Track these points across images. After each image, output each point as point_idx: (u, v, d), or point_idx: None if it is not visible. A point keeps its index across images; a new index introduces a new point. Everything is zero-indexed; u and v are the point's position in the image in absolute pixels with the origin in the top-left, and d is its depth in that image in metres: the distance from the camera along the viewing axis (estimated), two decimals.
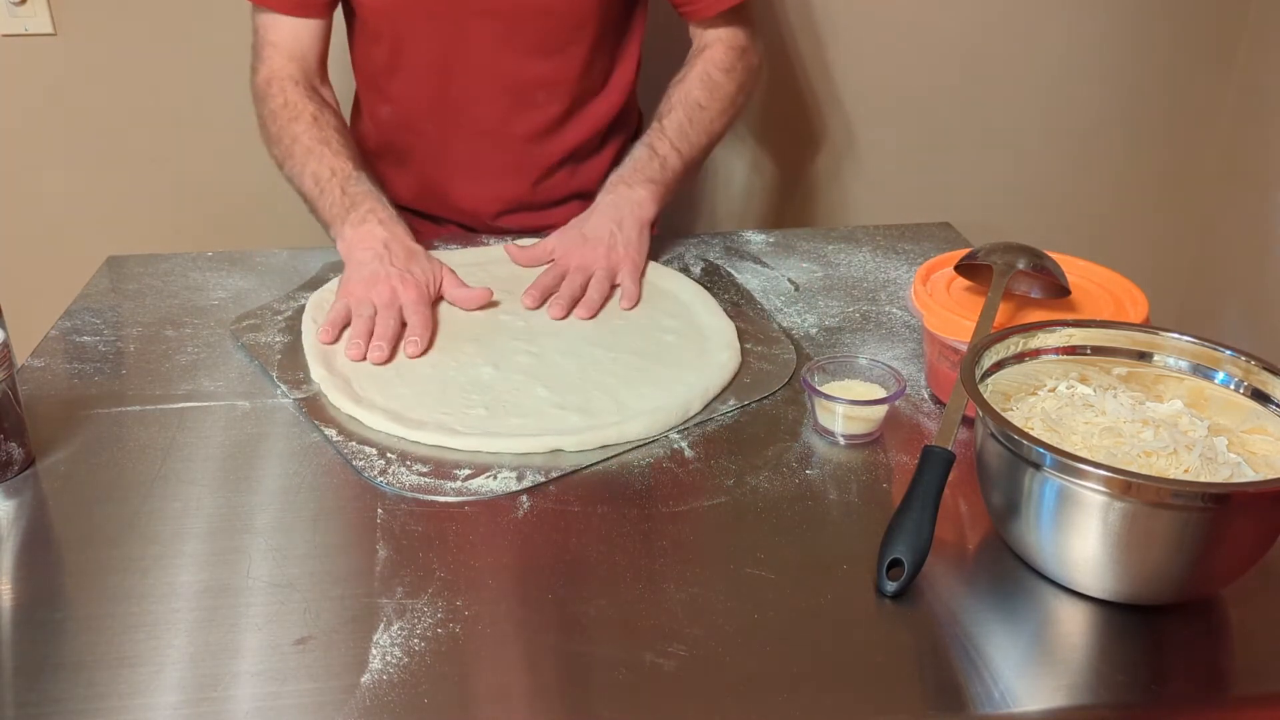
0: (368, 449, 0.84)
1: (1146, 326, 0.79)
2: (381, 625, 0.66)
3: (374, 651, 0.64)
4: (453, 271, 1.08)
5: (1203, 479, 0.67)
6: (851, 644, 0.65)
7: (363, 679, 0.62)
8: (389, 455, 0.83)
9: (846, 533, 0.75)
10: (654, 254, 1.15)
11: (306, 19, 1.18)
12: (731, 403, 0.91)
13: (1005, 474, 0.68)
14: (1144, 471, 0.66)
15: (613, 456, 0.84)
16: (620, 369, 0.95)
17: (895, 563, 0.68)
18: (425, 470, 0.81)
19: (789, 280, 1.15)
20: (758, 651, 0.64)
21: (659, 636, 0.65)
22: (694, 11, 1.22)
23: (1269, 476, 0.69)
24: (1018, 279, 0.89)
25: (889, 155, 1.81)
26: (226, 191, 1.68)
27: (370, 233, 1.07)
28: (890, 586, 0.68)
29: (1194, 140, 1.86)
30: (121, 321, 1.06)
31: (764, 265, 1.19)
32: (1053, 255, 0.90)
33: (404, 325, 0.99)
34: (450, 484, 0.80)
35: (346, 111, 1.30)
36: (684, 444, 0.86)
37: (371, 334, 0.97)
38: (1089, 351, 0.79)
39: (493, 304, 1.07)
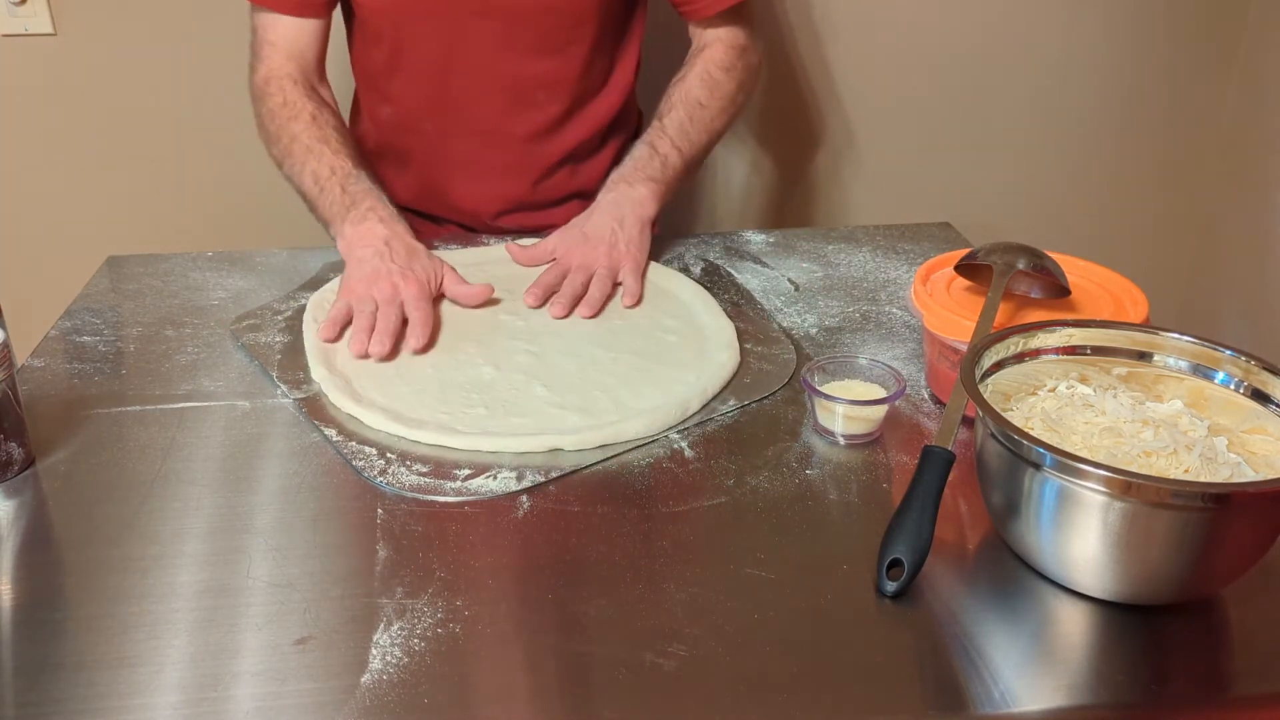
0: (368, 449, 0.84)
1: (1146, 326, 0.79)
2: (381, 625, 0.66)
3: (374, 651, 0.64)
4: (453, 269, 1.08)
5: (1203, 479, 0.67)
6: (851, 644, 0.65)
7: (363, 679, 0.62)
8: (389, 455, 0.83)
9: (846, 533, 0.75)
10: (654, 254, 1.15)
11: (306, 19, 1.18)
12: (731, 403, 0.91)
13: (1005, 474, 0.68)
14: (1144, 471, 0.66)
15: (612, 456, 0.84)
16: (620, 369, 0.95)
17: (895, 563, 0.68)
18: (425, 470, 0.81)
19: (789, 280, 1.15)
20: (758, 651, 0.64)
21: (659, 636, 0.65)
22: (693, 11, 1.22)
23: (1269, 476, 0.69)
24: (1018, 279, 0.89)
25: (889, 155, 1.81)
26: (226, 191, 1.68)
27: (371, 230, 1.07)
28: (890, 586, 0.68)
29: (1194, 140, 1.86)
30: (121, 321, 1.06)
31: (764, 265, 1.19)
32: (1053, 255, 0.90)
33: (405, 322, 0.99)
34: (450, 484, 0.80)
35: (345, 111, 1.30)
36: (684, 444, 0.86)
37: (373, 330, 0.97)
38: (1089, 351, 0.79)
39: (493, 301, 1.07)
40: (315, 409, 0.90)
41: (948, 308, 0.88)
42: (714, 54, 1.22)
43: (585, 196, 1.30)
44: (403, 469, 0.81)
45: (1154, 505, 0.62)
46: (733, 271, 1.17)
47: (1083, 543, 0.65)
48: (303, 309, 1.06)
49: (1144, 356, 0.78)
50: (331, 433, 0.86)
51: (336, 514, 0.78)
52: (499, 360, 0.96)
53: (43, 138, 1.64)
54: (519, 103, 1.23)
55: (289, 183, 1.17)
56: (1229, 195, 1.85)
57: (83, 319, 1.06)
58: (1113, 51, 1.77)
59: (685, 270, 1.16)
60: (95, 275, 1.17)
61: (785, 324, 1.05)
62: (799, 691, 0.62)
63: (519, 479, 0.80)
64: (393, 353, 0.96)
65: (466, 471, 0.81)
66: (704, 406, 0.90)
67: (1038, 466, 0.65)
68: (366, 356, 0.96)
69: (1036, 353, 0.78)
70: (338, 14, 1.23)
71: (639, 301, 1.07)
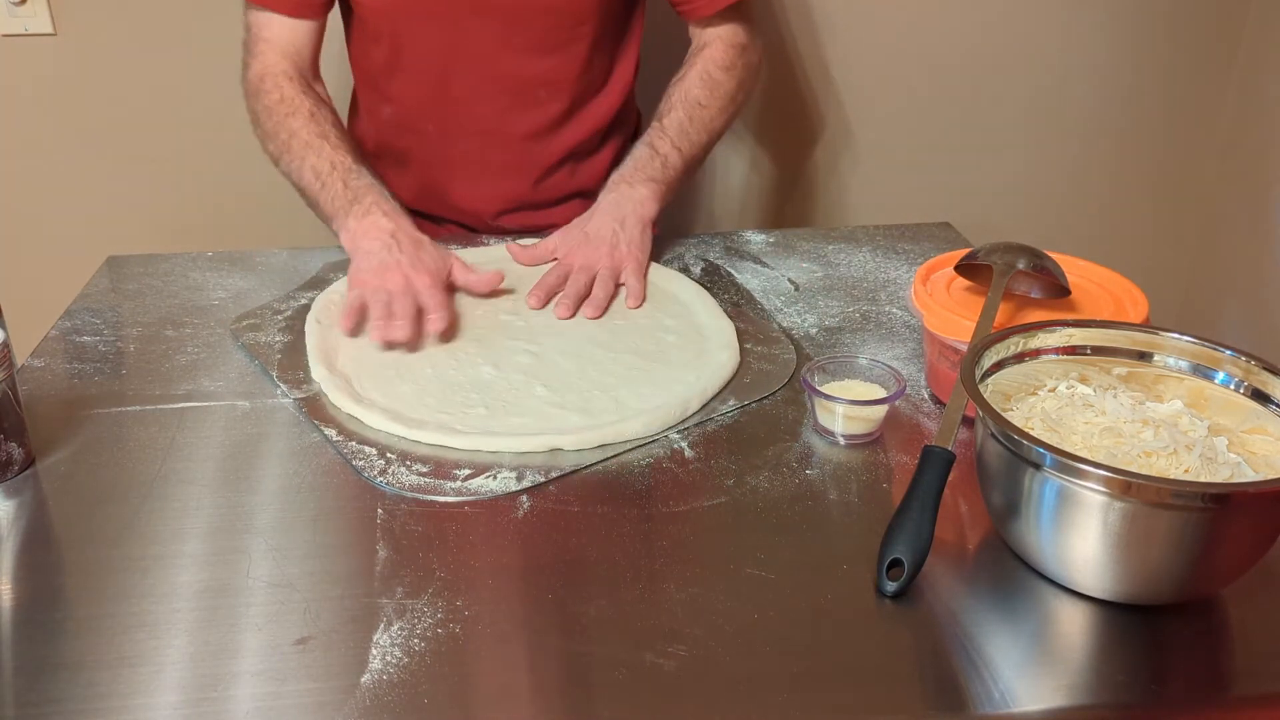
0: (368, 449, 0.84)
1: (1146, 326, 0.79)
2: (381, 625, 0.66)
3: (374, 651, 0.64)
4: (460, 259, 1.09)
5: (1203, 479, 0.67)
6: (851, 644, 0.65)
7: (363, 679, 0.62)
8: (389, 455, 0.83)
9: (846, 533, 0.75)
10: (655, 254, 1.15)
11: (301, 19, 1.18)
12: (731, 403, 0.91)
13: (1005, 474, 0.68)
14: (1144, 471, 0.66)
15: (612, 456, 0.84)
16: (620, 369, 0.95)
17: (895, 563, 0.68)
18: (425, 470, 0.81)
19: (789, 280, 1.15)
20: (758, 651, 0.64)
21: (659, 636, 0.65)
22: (692, 10, 1.22)
23: (1269, 476, 0.69)
24: (1018, 279, 0.89)
25: (889, 155, 1.81)
26: (226, 191, 1.68)
27: (376, 224, 1.07)
28: (890, 586, 0.68)
29: (1194, 140, 1.86)
30: (121, 321, 1.06)
31: (764, 265, 1.19)
32: (1053, 255, 0.90)
33: (420, 312, 1.00)
34: (450, 484, 0.80)
35: (342, 111, 1.30)
36: (684, 444, 0.86)
37: (389, 316, 0.98)
38: (1089, 351, 0.79)
39: (501, 292, 1.07)
40: (315, 409, 0.90)
41: (948, 308, 0.88)
42: (713, 53, 1.22)
43: (585, 196, 1.31)
44: (403, 469, 0.81)
45: (1154, 505, 0.62)
46: (733, 271, 1.17)
47: (1083, 543, 0.65)
48: (303, 309, 1.06)
49: (1144, 356, 0.78)
50: (331, 433, 0.86)
51: (336, 514, 0.78)
52: (499, 360, 0.96)
53: (43, 138, 1.64)
54: (520, 102, 1.23)
55: (286, 179, 1.17)
56: (1229, 195, 1.85)
57: (83, 319, 1.06)
58: (1113, 51, 1.77)
59: (685, 270, 1.16)
60: (95, 275, 1.17)
61: (785, 324, 1.05)
62: (799, 691, 0.62)
63: (519, 479, 0.80)
64: (415, 337, 0.97)
65: (466, 471, 0.81)
66: (704, 406, 0.90)
67: (1038, 466, 0.65)
68: (391, 345, 0.96)
69: (1036, 353, 0.78)
70: (336, 13, 1.23)
71: (642, 302, 1.07)
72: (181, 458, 0.84)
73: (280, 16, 1.18)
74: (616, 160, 1.32)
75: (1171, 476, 0.67)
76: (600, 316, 1.04)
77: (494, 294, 1.08)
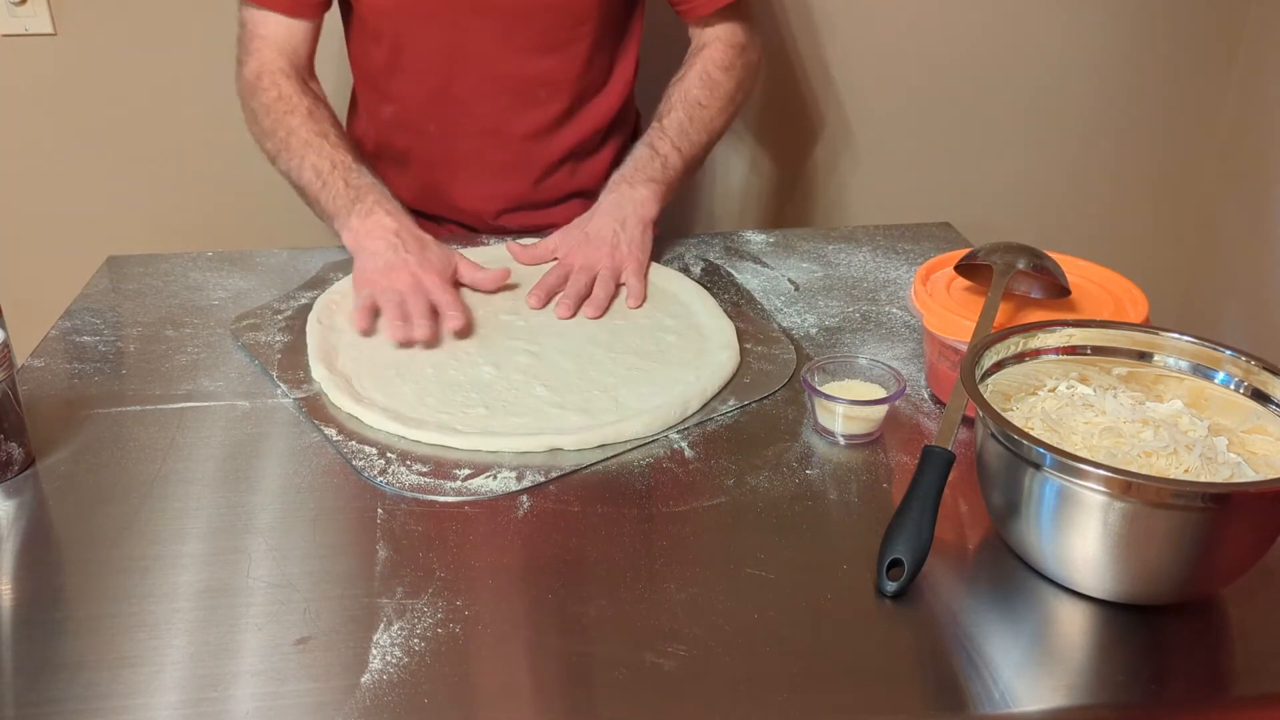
0: (368, 449, 0.84)
1: (1146, 326, 0.79)
2: (381, 625, 0.66)
3: (374, 651, 0.64)
4: (465, 257, 1.09)
5: (1203, 479, 0.67)
6: (851, 644, 0.65)
7: (363, 679, 0.62)
8: (389, 455, 0.83)
9: (846, 533, 0.75)
10: (654, 254, 1.15)
11: (299, 19, 1.18)
12: (731, 403, 0.91)
13: (1005, 474, 0.68)
14: (1144, 471, 0.66)
15: (612, 456, 0.84)
16: (620, 369, 0.95)
17: (895, 563, 0.68)
18: (425, 470, 0.81)
19: (789, 280, 1.15)
20: (758, 651, 0.64)
21: (659, 636, 0.65)
22: (691, 10, 1.22)
23: (1269, 476, 0.68)
24: (1018, 279, 0.89)
25: (889, 155, 1.81)
26: (226, 191, 1.68)
27: (379, 223, 1.07)
28: (890, 586, 0.68)
29: (1194, 140, 1.86)
30: (121, 321, 1.06)
31: (764, 265, 1.19)
32: (1053, 255, 0.90)
33: (433, 310, 1.01)
34: (450, 484, 0.80)
35: (339, 110, 1.29)
36: (684, 444, 0.86)
37: (405, 316, 0.98)
38: (1089, 351, 0.79)
39: (508, 287, 1.08)
40: (315, 409, 0.90)
41: (948, 308, 0.88)
42: (713, 53, 1.22)
43: (586, 195, 1.31)
44: (403, 469, 0.81)
45: (1154, 505, 0.62)
46: (733, 271, 1.17)
47: (1083, 543, 0.65)
48: (303, 309, 1.06)
49: (1144, 356, 0.78)
50: (331, 432, 0.86)
51: (336, 514, 0.78)
52: (499, 360, 0.96)
53: (43, 138, 1.64)
54: (520, 101, 1.23)
55: (284, 177, 1.16)
56: (1229, 195, 1.85)
57: (83, 319, 1.06)
58: (1113, 51, 1.77)
59: (685, 270, 1.16)
60: (95, 275, 1.17)
61: (785, 324, 1.05)
62: (799, 691, 0.62)
63: (519, 479, 0.80)
64: (435, 336, 0.98)
65: (466, 471, 0.81)
66: (704, 406, 0.90)
67: (1038, 466, 0.65)
68: (408, 344, 0.97)
69: (1036, 353, 0.78)
70: (334, 13, 1.23)
71: (643, 302, 1.07)
72: (181, 458, 0.84)
73: (277, 15, 1.17)
74: (616, 160, 1.32)
75: (1171, 476, 0.67)
76: (601, 317, 1.04)
77: (500, 289, 1.08)
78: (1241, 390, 0.74)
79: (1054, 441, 0.70)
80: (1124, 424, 0.72)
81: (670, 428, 0.87)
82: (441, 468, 0.82)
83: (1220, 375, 0.75)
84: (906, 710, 0.61)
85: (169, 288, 1.13)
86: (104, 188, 1.68)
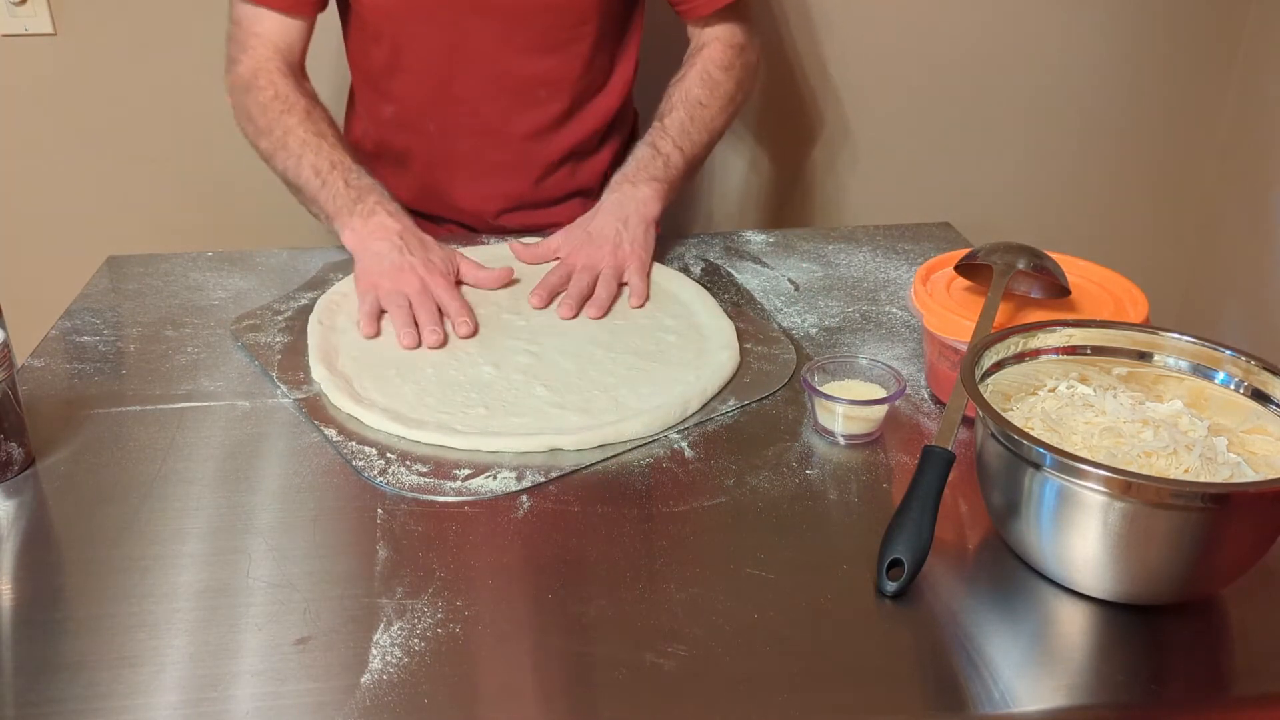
0: (368, 449, 0.84)
1: (1146, 326, 0.79)
2: (381, 625, 0.66)
3: (374, 651, 0.64)
4: (466, 257, 1.09)
5: (1203, 479, 0.67)
6: (851, 644, 0.65)
7: (363, 679, 0.62)
8: (389, 455, 0.83)
9: (846, 533, 0.75)
10: (655, 254, 1.15)
11: (294, 18, 1.18)
12: (731, 403, 0.91)
13: (1005, 474, 0.68)
14: (1144, 471, 0.66)
15: (612, 456, 0.84)
16: (620, 368, 0.95)
17: (895, 563, 0.68)
18: (425, 470, 0.81)
19: (789, 280, 1.15)
20: (758, 651, 0.64)
21: (659, 636, 0.65)
22: (690, 10, 1.22)
23: (1269, 476, 0.68)
24: (1018, 279, 0.89)
25: (889, 155, 1.81)
26: (226, 191, 1.68)
27: (382, 224, 1.07)
28: (890, 586, 0.68)
29: (1194, 140, 1.86)
30: (121, 321, 1.06)
31: (764, 265, 1.19)
32: (1053, 255, 0.90)
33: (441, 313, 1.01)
34: (450, 484, 0.80)
35: (337, 110, 1.29)
36: (684, 444, 0.86)
37: (413, 321, 0.99)
38: (1089, 351, 0.79)
39: (513, 281, 1.09)
40: (315, 409, 0.90)
41: (948, 308, 0.88)
42: (712, 53, 1.22)
43: (585, 195, 1.31)
44: (403, 469, 0.81)
45: (1154, 505, 0.62)
46: (733, 271, 1.17)
47: (1083, 543, 0.65)
48: (303, 309, 1.06)
49: (1144, 356, 0.78)
50: (331, 433, 0.86)
51: (336, 514, 0.78)
52: (499, 360, 0.96)
53: (43, 138, 1.64)
54: (521, 101, 1.23)
55: (279, 175, 1.16)
56: (1229, 195, 1.85)
57: (83, 319, 1.06)
58: (1113, 51, 1.77)
59: (685, 270, 1.16)
60: (95, 275, 1.17)
61: (785, 324, 1.05)
62: (799, 691, 0.62)
63: (519, 479, 0.80)
64: (444, 341, 0.98)
65: (466, 471, 0.81)
66: (704, 406, 0.90)
67: (1038, 466, 0.65)
68: (417, 348, 0.97)
69: (1036, 353, 0.78)
70: (333, 13, 1.23)
71: (645, 302, 1.07)
72: (181, 458, 0.84)
73: (273, 13, 1.17)
74: (615, 160, 1.32)
75: (1171, 476, 0.67)
76: (603, 316, 1.04)
77: (505, 286, 1.09)
78: (1241, 390, 0.74)
79: (1054, 441, 0.70)
80: (1124, 424, 0.72)
81: (670, 428, 0.87)
82: (441, 468, 0.82)
83: (1220, 375, 0.75)
84: (906, 710, 0.61)
85: (169, 288, 1.13)
86: (104, 188, 1.68)
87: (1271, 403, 0.72)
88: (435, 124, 1.25)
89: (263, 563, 0.72)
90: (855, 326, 1.05)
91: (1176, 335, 0.77)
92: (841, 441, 0.85)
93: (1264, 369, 0.73)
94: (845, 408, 0.84)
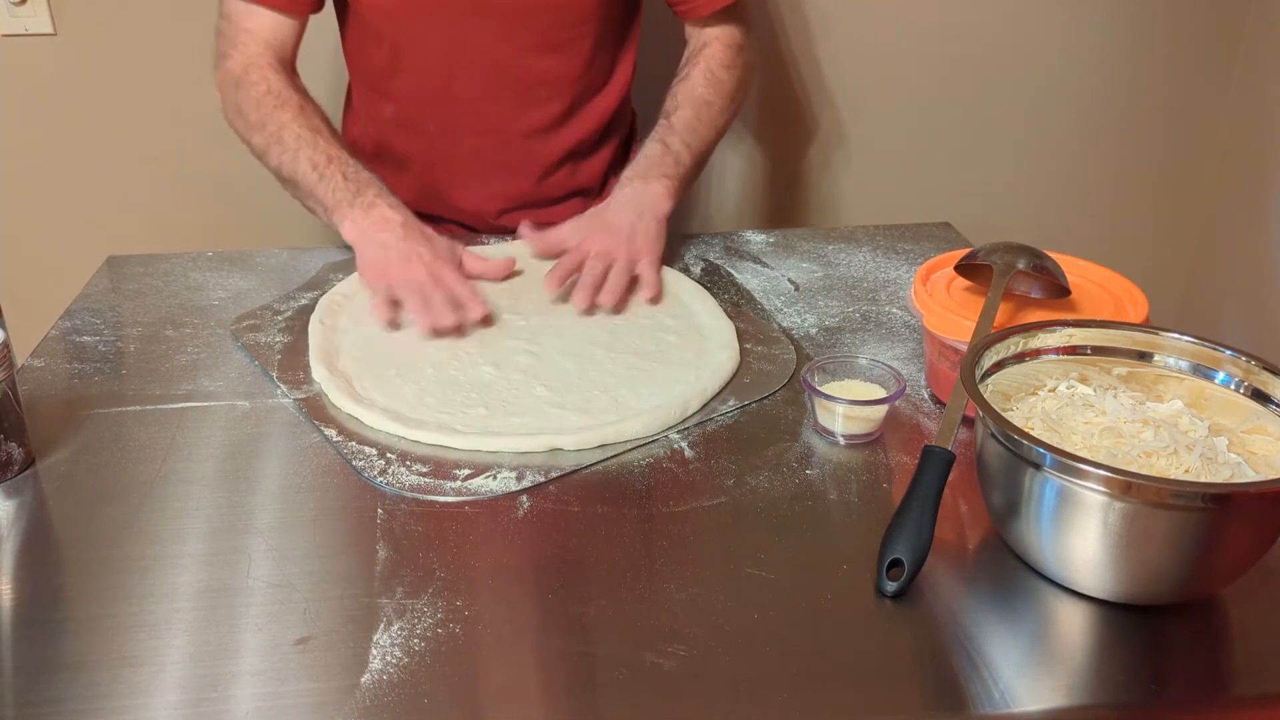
0: (368, 449, 0.84)
1: (1146, 326, 0.79)
2: (381, 625, 0.66)
3: (374, 651, 0.64)
4: (469, 250, 1.10)
5: (1203, 479, 0.67)
6: (851, 644, 0.65)
7: (363, 679, 0.62)
8: (389, 455, 0.83)
9: (846, 533, 0.75)
10: None
11: (287, 16, 1.17)
12: (731, 403, 0.91)
13: (1005, 474, 0.68)
14: (1144, 471, 0.66)
15: (612, 456, 0.84)
16: (619, 369, 0.95)
17: (895, 563, 0.68)
18: (425, 470, 0.81)
19: (789, 280, 1.15)
20: (758, 651, 0.64)
21: (659, 636, 0.65)
22: (690, 10, 1.22)
23: (1269, 476, 0.68)
24: (1018, 279, 0.89)
25: (889, 155, 1.81)
26: (226, 191, 1.68)
27: (384, 216, 1.07)
28: (890, 586, 0.68)
29: (1194, 140, 1.86)
30: (121, 321, 1.06)
31: (764, 265, 1.19)
32: (1053, 255, 0.90)
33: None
34: (450, 484, 0.80)
35: (334, 110, 1.29)
36: (684, 444, 0.86)
37: (430, 308, 1.00)
38: (1089, 351, 0.79)
39: (515, 273, 1.10)
40: (315, 409, 0.90)
41: (948, 308, 0.88)
42: (715, 52, 1.22)
43: (585, 195, 1.31)
44: (403, 469, 0.81)
45: (1154, 505, 0.62)
46: (733, 271, 1.17)
47: (1083, 543, 0.65)
48: (303, 309, 1.06)
49: (1144, 356, 0.78)
50: (331, 433, 0.86)
51: (336, 514, 0.78)
52: (499, 360, 0.96)
53: (43, 138, 1.63)
54: (522, 100, 1.23)
55: (273, 171, 1.15)
56: (1229, 195, 1.85)
57: (83, 319, 1.06)
58: (1113, 51, 1.77)
59: (685, 270, 1.16)
60: (95, 275, 1.17)
61: (785, 324, 1.05)
62: (799, 691, 0.62)
63: (519, 479, 0.80)
64: (460, 323, 0.99)
65: (466, 471, 0.81)
66: (704, 406, 0.90)
67: (1038, 466, 0.65)
68: (438, 333, 0.98)
69: (1036, 353, 0.78)
70: (329, 14, 1.22)
71: (657, 294, 1.07)
72: (181, 458, 0.84)
73: (266, 10, 1.16)
74: (614, 159, 1.32)
75: (1171, 476, 0.67)
76: (616, 304, 1.04)
77: (506, 278, 1.10)
78: (1241, 390, 0.74)
79: (1054, 441, 0.70)
80: (1124, 424, 0.72)
81: (670, 428, 0.87)
82: (441, 468, 0.82)
83: (1220, 375, 0.75)
84: (906, 710, 0.61)
85: (169, 288, 1.13)
86: (104, 188, 1.68)
87: (1271, 403, 0.72)
88: (436, 124, 1.25)
89: (263, 563, 0.72)
90: (855, 326, 1.05)
91: (1176, 335, 0.77)
92: (841, 441, 0.85)
93: (1264, 369, 0.73)
94: (845, 408, 0.84)
